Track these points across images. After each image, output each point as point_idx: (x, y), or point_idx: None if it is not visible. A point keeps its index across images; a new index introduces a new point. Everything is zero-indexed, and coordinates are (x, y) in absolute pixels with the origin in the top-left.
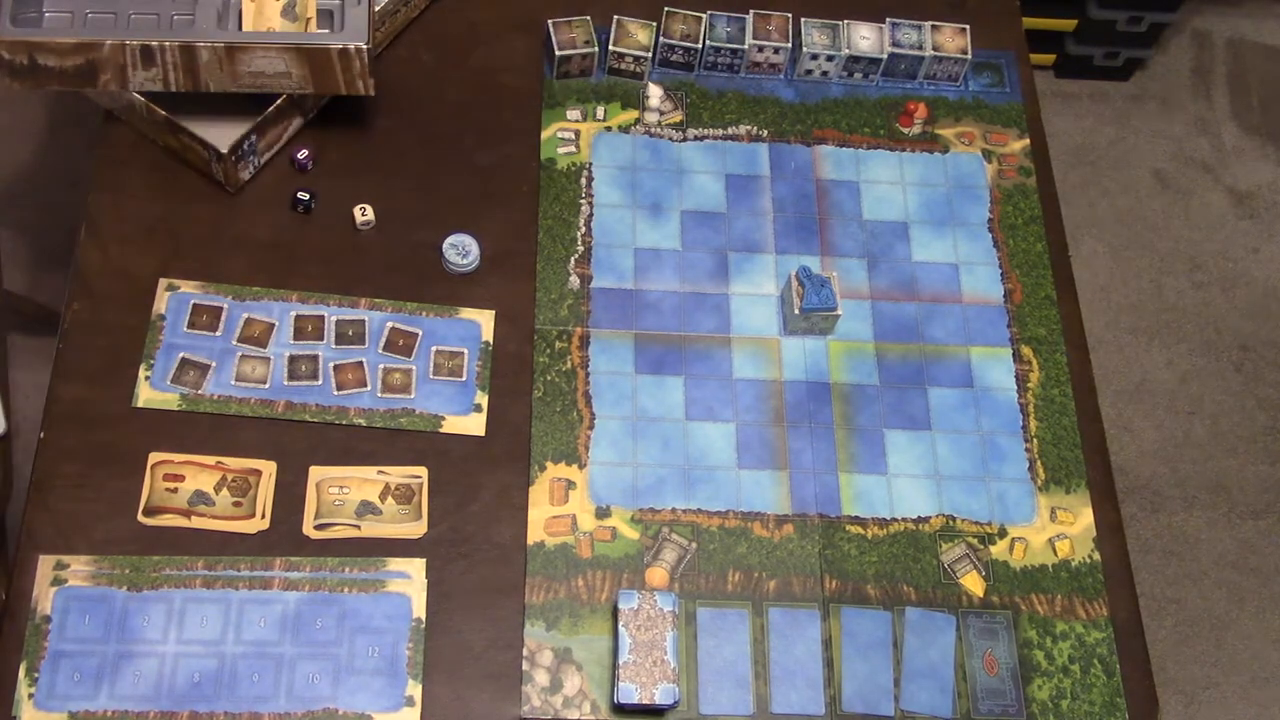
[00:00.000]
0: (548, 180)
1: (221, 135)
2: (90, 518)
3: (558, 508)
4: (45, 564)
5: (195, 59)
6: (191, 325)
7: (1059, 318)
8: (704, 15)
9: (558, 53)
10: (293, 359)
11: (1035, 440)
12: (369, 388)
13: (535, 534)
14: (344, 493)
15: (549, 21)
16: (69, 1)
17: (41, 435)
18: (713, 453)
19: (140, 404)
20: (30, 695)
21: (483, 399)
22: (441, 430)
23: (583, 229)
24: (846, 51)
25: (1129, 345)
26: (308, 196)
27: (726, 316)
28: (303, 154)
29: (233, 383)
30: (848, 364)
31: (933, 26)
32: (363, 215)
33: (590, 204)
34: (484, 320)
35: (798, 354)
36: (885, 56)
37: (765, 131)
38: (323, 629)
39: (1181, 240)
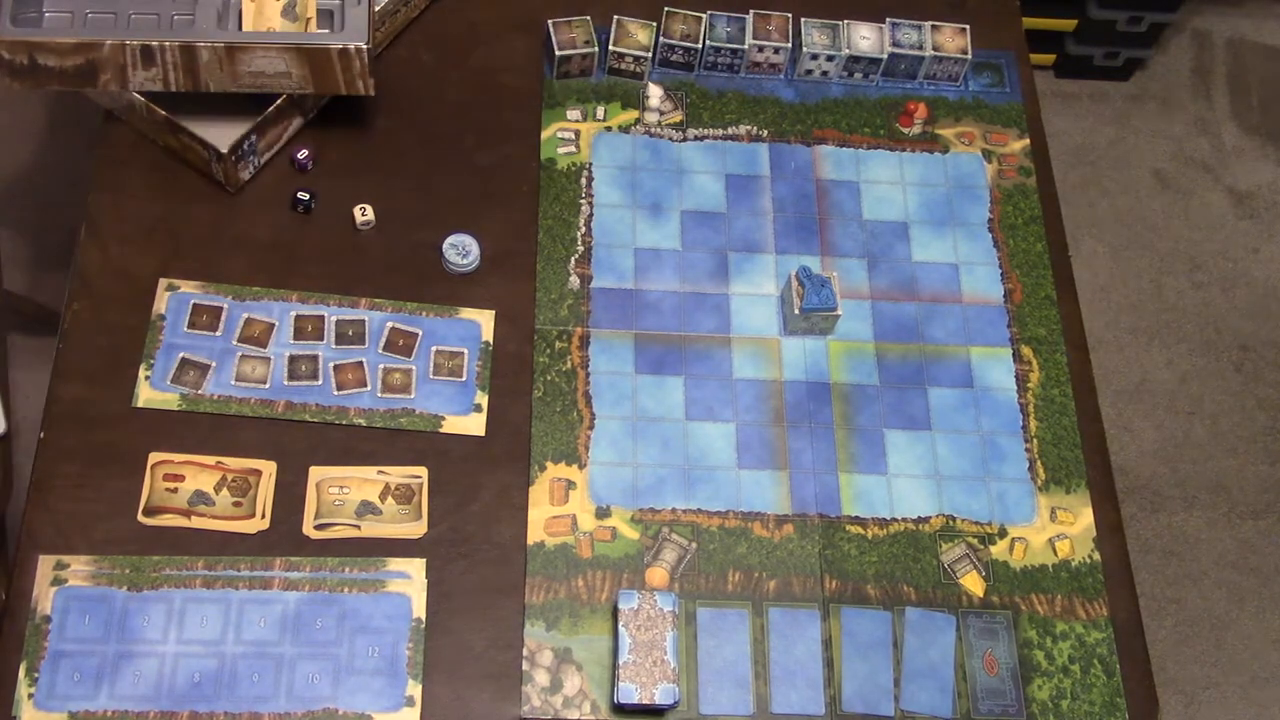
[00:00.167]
0: (548, 180)
1: (221, 135)
2: (90, 518)
3: (558, 508)
4: (45, 564)
5: (195, 59)
6: (191, 325)
7: (1059, 318)
8: (704, 15)
9: (558, 53)
10: (293, 359)
11: (1035, 440)
12: (369, 388)
13: (535, 534)
14: (344, 493)
15: (549, 21)
16: (69, 1)
17: (41, 435)
18: (713, 453)
19: (140, 404)
20: (30, 695)
21: (483, 399)
22: (441, 430)
23: (583, 229)
24: (846, 51)
25: (1129, 345)
26: (308, 196)
27: (726, 316)
28: (303, 154)
29: (233, 383)
30: (848, 364)
31: (933, 26)
32: (363, 215)
33: (590, 204)
34: (484, 320)
35: (798, 354)
36: (885, 56)
37: (765, 131)
38: (323, 629)
39: (1181, 240)
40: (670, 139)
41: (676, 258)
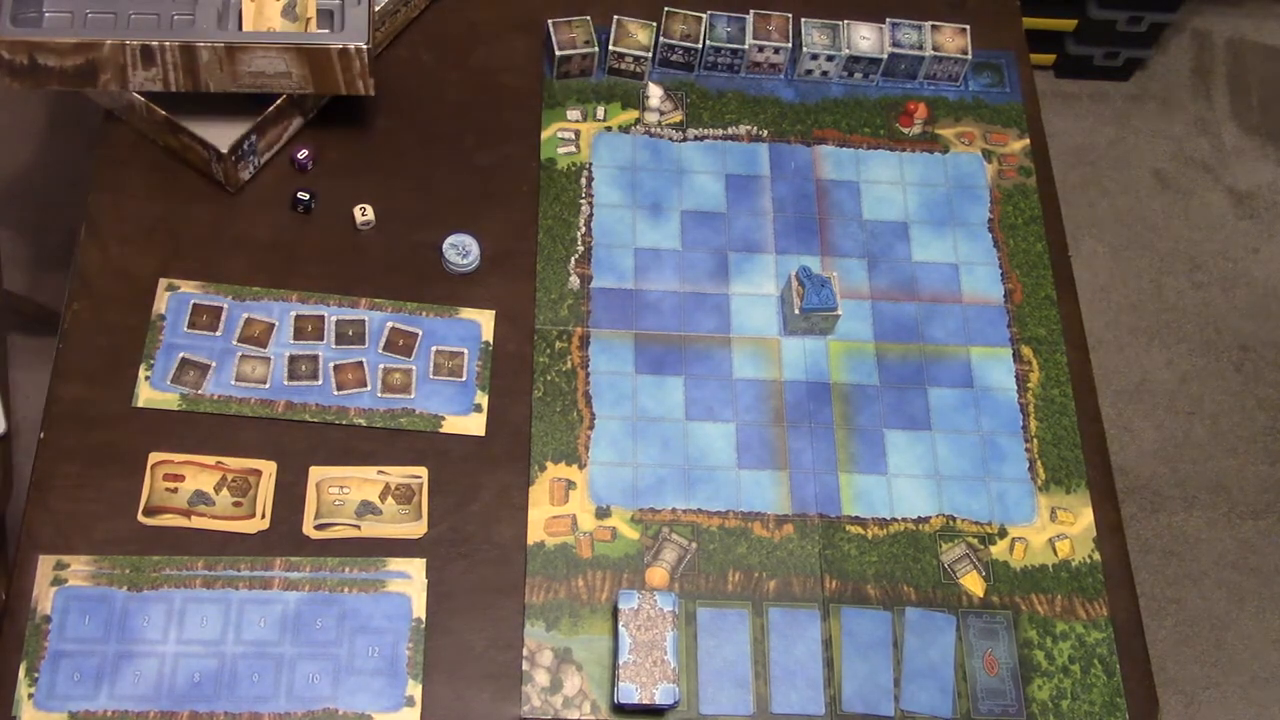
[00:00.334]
0: (548, 180)
1: (221, 135)
2: (90, 518)
3: (558, 508)
4: (45, 564)
5: (195, 59)
6: (191, 325)
7: (1059, 318)
8: (704, 15)
9: (558, 53)
10: (293, 359)
11: (1035, 440)
12: (369, 388)
13: (535, 534)
14: (344, 493)
15: (549, 21)
16: (69, 1)
17: (41, 435)
18: (713, 453)
19: (140, 404)
20: (30, 695)
21: (483, 399)
22: (441, 430)
23: (583, 229)
24: (846, 51)
25: (1129, 345)
26: (308, 196)
27: (726, 316)
28: (303, 154)
29: (233, 383)
30: (848, 364)
31: (933, 26)
32: (363, 215)
33: (590, 204)
34: (484, 320)
35: (798, 354)
36: (885, 56)
37: (765, 131)
38: (323, 629)
39: (1181, 240)
40: (670, 139)
41: (676, 258)
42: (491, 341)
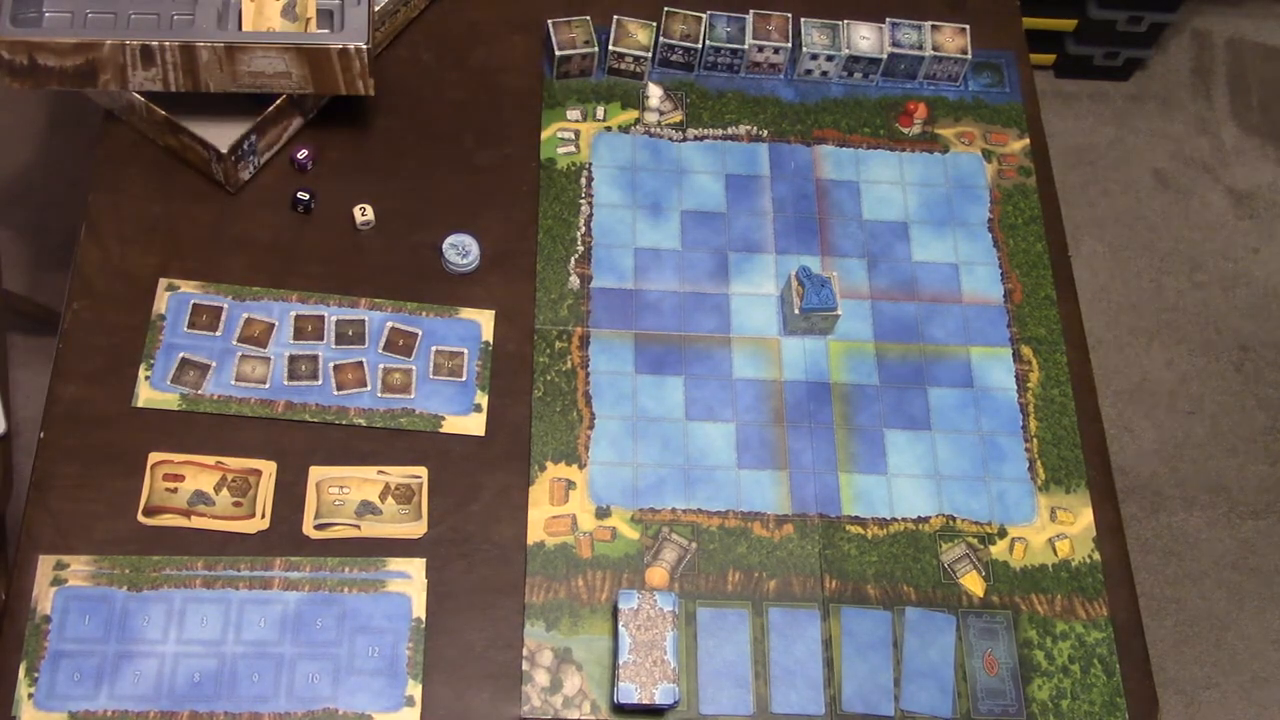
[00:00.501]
0: (548, 180)
1: (221, 135)
2: (90, 518)
3: (558, 508)
4: (45, 564)
5: (195, 59)
6: (191, 325)
7: (1059, 318)
8: (704, 15)
9: (558, 53)
10: (293, 359)
11: (1035, 440)
12: (369, 388)
13: (535, 534)
14: (344, 493)
15: (549, 21)
16: (69, 1)
17: (41, 435)
18: (713, 453)
19: (140, 404)
20: (30, 695)
21: (483, 399)
22: (441, 430)
23: (583, 229)
24: (846, 51)
25: (1129, 345)
26: (308, 196)
27: (726, 316)
28: (303, 154)
29: (233, 383)
30: (848, 364)
31: (933, 26)
32: (363, 215)
33: (590, 204)
34: (484, 320)
35: (798, 354)
36: (885, 56)
37: (765, 131)
38: (323, 629)
39: (1181, 240)
40: (670, 139)
41: (676, 258)
42: (491, 341)
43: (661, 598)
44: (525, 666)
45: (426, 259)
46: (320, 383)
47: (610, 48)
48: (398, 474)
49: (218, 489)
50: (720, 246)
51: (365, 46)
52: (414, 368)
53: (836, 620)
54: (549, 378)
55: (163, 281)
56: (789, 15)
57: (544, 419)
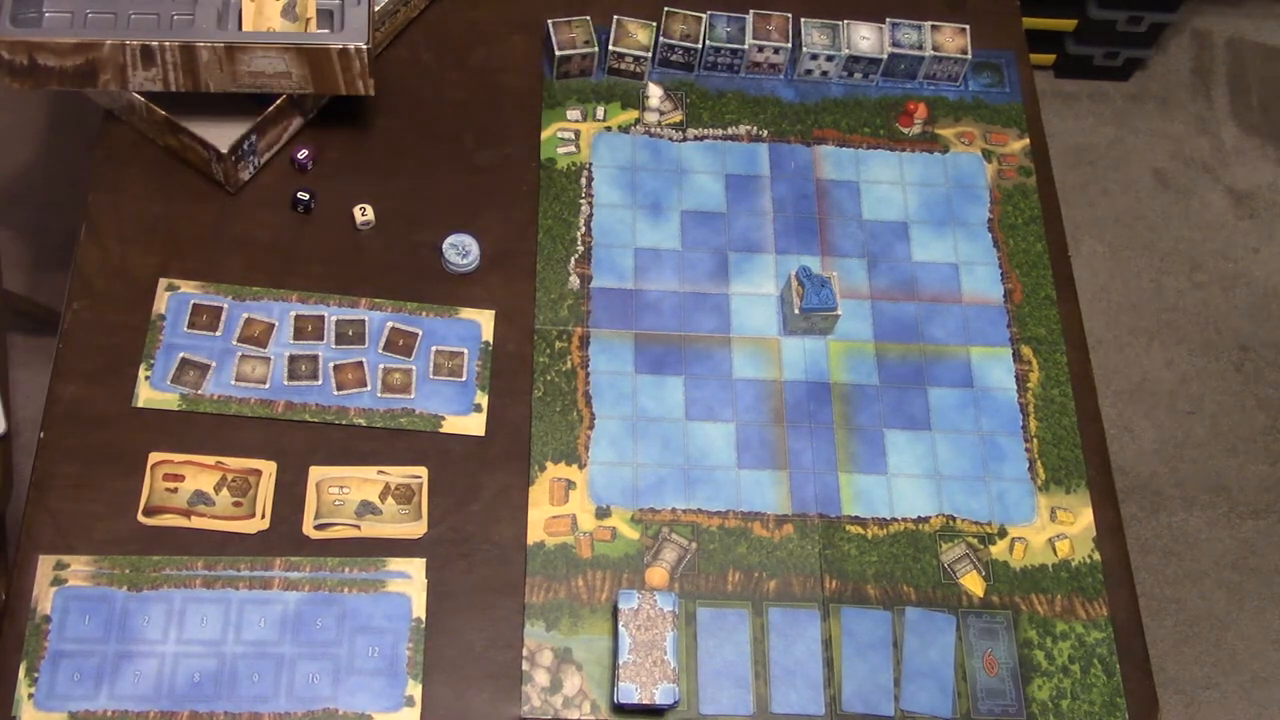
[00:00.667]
0: (548, 180)
1: (221, 135)
2: (90, 518)
3: (558, 508)
4: (45, 564)
5: (195, 59)
6: (191, 325)
7: (1059, 318)
8: (704, 15)
9: (558, 53)
10: (293, 359)
11: (1035, 440)
12: (369, 388)
13: (535, 534)
14: (344, 493)
15: (549, 21)
16: (69, 1)
17: (41, 435)
18: (713, 453)
19: (140, 404)
20: (30, 695)
21: (483, 399)
22: (441, 430)
23: (583, 229)
24: (846, 51)
25: (1129, 345)
26: (308, 196)
27: (726, 316)
28: (303, 154)
29: (233, 383)
30: (848, 364)
31: (933, 26)
32: (363, 215)
33: (590, 204)
34: (484, 320)
35: (798, 354)
36: (885, 56)
37: (765, 131)
38: (323, 629)
39: (1181, 240)
40: (670, 139)
41: (676, 258)
42: (491, 341)
43: (661, 598)
44: (525, 666)
45: (426, 259)
46: (320, 383)
47: (610, 48)
48: (398, 474)
49: (218, 489)
50: (720, 246)
51: (365, 46)
52: (414, 368)
53: (836, 620)
54: (549, 378)
55: (163, 281)
56: (789, 15)
57: (544, 419)
